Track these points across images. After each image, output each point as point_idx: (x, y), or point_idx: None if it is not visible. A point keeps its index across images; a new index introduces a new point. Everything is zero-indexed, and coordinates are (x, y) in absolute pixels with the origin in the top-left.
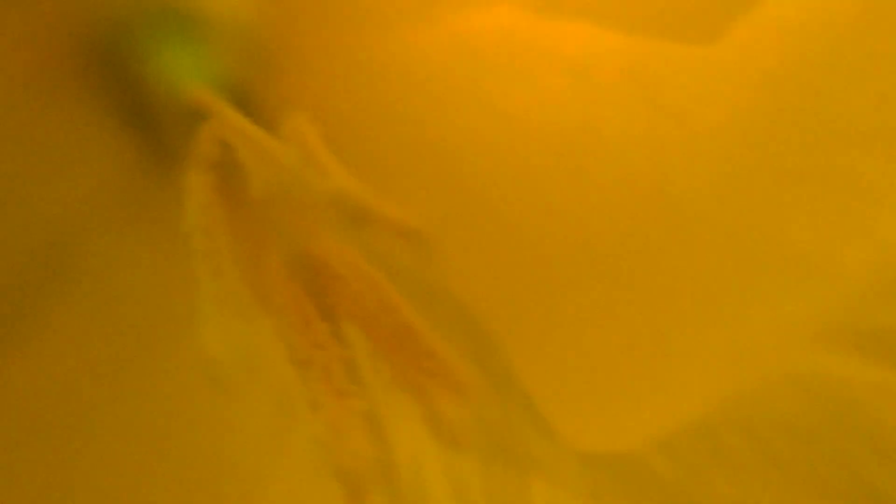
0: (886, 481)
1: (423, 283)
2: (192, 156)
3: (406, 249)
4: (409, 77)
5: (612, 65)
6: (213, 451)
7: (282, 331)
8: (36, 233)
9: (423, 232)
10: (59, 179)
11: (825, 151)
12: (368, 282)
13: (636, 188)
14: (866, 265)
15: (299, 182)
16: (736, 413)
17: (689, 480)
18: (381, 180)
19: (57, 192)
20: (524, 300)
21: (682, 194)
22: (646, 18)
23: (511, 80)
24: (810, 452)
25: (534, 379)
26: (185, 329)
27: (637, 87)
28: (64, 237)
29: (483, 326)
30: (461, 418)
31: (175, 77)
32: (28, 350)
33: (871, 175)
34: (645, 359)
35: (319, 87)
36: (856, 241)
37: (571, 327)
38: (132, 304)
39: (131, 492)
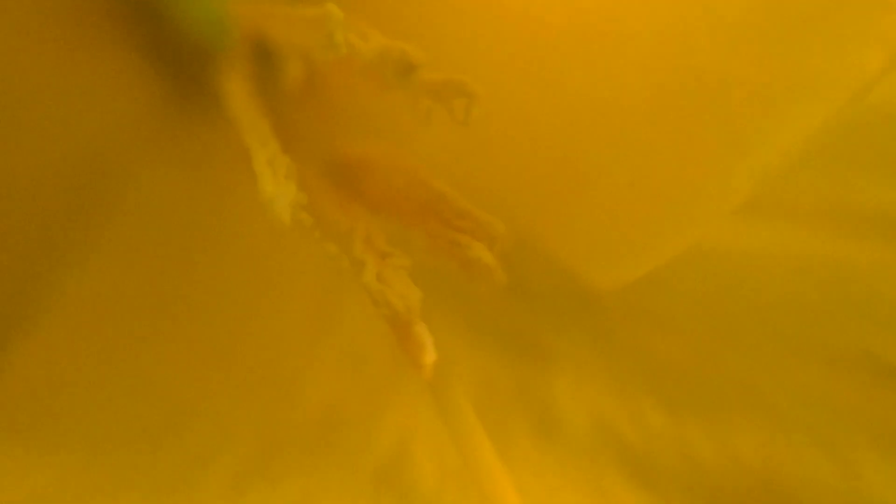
0: (883, 346)
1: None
2: (227, 54)
3: (449, 104)
4: None
5: None
6: (267, 329)
7: (320, 209)
8: (78, 161)
9: (467, 85)
10: (94, 112)
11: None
12: (397, 163)
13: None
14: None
15: (342, 43)
16: (734, 290)
17: (697, 359)
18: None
19: (94, 123)
20: (543, 166)
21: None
22: None
23: None
24: (808, 323)
25: (551, 233)
26: (228, 237)
27: None
28: (105, 164)
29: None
30: (494, 263)
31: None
32: (90, 266)
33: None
34: (642, 208)
35: None
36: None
37: (581, 188)
38: (177, 220)
39: (208, 366)
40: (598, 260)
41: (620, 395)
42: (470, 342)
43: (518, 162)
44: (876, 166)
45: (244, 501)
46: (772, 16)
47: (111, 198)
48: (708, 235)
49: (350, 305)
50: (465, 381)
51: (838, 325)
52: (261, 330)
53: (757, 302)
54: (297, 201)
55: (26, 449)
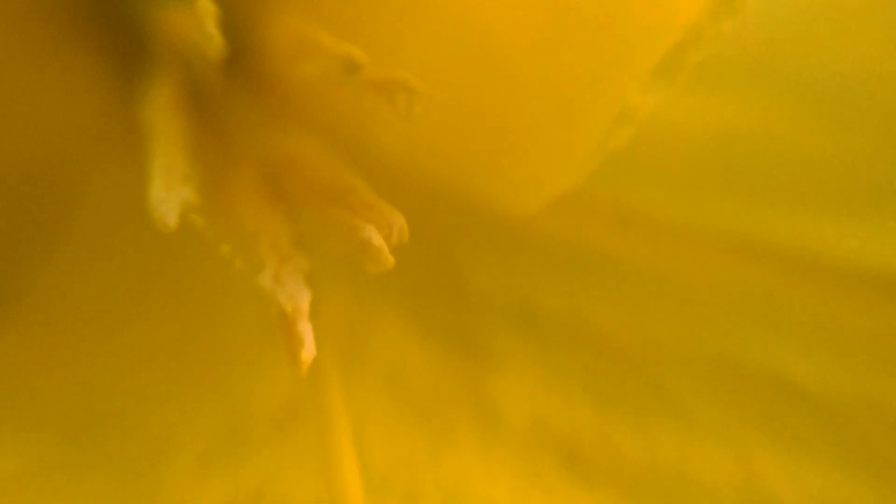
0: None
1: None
2: (154, 53)
3: (392, 100)
4: None
5: None
6: (228, 321)
7: (229, 210)
8: (33, 164)
9: (409, 80)
10: (49, 112)
11: None
12: (321, 156)
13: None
14: None
15: (216, 36)
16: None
17: (624, 365)
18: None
19: (50, 123)
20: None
21: None
22: None
23: None
24: (723, 340)
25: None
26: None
27: None
28: (63, 163)
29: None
30: (385, 247)
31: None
32: (52, 268)
33: None
34: (542, 127)
35: None
36: None
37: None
38: (136, 215)
39: (172, 357)
40: (513, 188)
41: (556, 393)
42: (418, 342)
43: (442, 122)
44: None
45: (208, 484)
46: None
47: (71, 195)
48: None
49: None
50: (413, 378)
51: (750, 344)
52: (222, 321)
53: (679, 316)
54: (189, 204)
55: None
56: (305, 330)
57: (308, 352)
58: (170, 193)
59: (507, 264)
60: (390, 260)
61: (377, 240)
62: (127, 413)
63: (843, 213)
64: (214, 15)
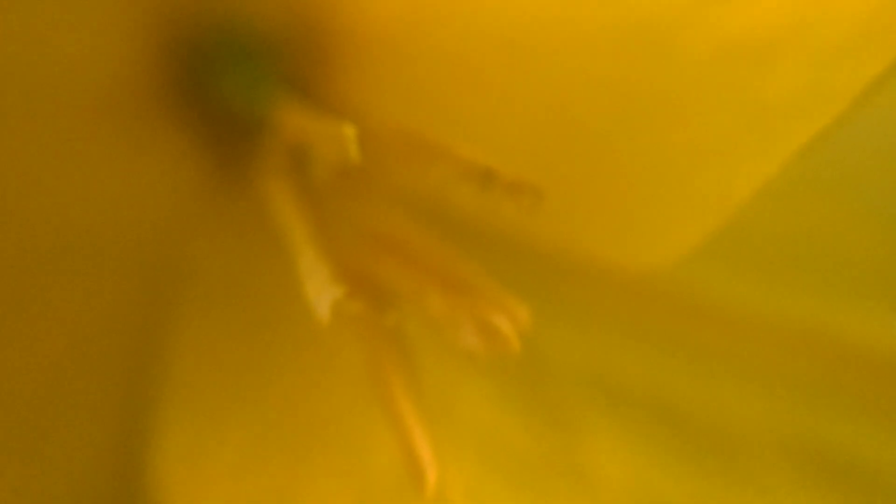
0: None
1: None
2: (264, 157)
3: (518, 200)
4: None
5: None
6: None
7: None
8: (139, 251)
9: (535, 185)
10: (146, 199)
11: None
12: (427, 243)
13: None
14: None
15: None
16: None
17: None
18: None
19: (149, 210)
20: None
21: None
22: None
23: None
24: None
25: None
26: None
27: None
28: (167, 246)
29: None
30: (512, 333)
31: (241, 90)
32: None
33: None
34: (653, 198)
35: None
36: None
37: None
38: (244, 297)
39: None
40: (630, 245)
41: (645, 464)
42: (505, 413)
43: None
44: None
45: None
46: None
47: (180, 280)
48: None
49: None
50: (505, 448)
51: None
52: (335, 393)
53: (758, 400)
54: (339, 300)
55: None
56: (426, 454)
57: (433, 474)
58: (321, 292)
59: (586, 340)
60: (517, 347)
61: (506, 326)
62: (280, 490)
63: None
64: (353, 136)
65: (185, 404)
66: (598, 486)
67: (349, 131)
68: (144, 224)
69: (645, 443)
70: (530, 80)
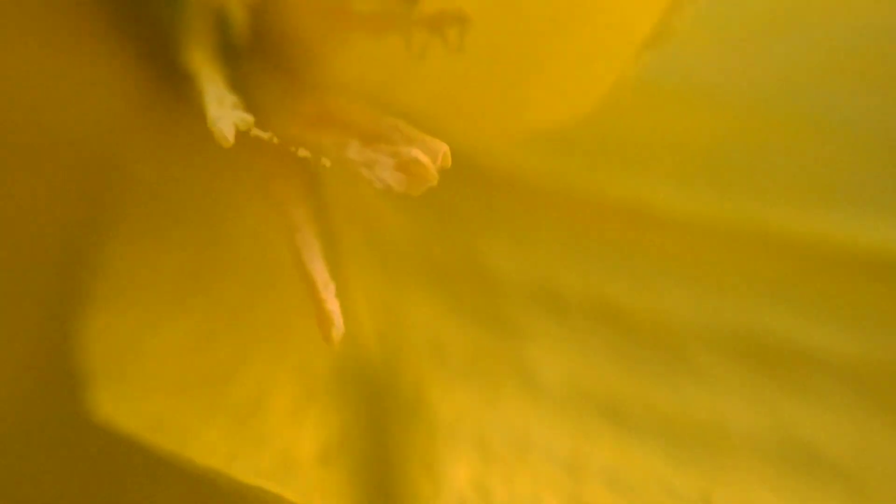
0: None
1: None
2: (187, 29)
3: (443, 34)
4: None
5: None
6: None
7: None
8: (79, 155)
9: (463, 11)
10: (85, 104)
11: None
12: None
13: None
14: None
15: None
16: None
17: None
18: None
19: (87, 115)
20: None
21: None
22: None
23: None
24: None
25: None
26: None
27: None
28: (104, 154)
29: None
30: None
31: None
32: (117, 247)
33: None
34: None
35: None
36: None
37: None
38: (179, 202)
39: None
40: (550, 93)
41: (587, 362)
42: (451, 319)
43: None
44: None
45: (303, 427)
46: None
47: (117, 187)
48: None
49: None
50: (452, 349)
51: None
52: (270, 291)
53: (695, 297)
54: (243, 120)
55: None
56: (334, 308)
57: (338, 330)
58: (224, 112)
59: (528, 250)
60: (435, 178)
61: (423, 158)
62: (220, 372)
63: (842, 203)
64: None
65: (121, 294)
66: (543, 386)
67: None
68: (83, 127)
69: (587, 344)
70: None
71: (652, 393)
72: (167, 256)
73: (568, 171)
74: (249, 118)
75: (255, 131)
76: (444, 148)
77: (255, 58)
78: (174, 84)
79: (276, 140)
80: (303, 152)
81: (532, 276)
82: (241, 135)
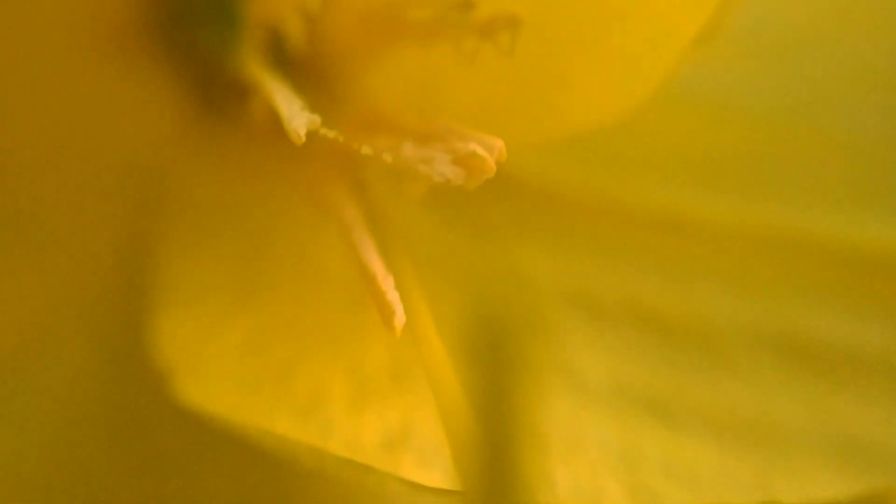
0: None
1: None
2: (242, 47)
3: (495, 39)
4: None
5: None
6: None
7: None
8: (130, 168)
9: (516, 15)
10: (134, 119)
11: None
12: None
13: None
14: None
15: None
16: None
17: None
18: None
19: (136, 130)
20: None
21: None
22: None
23: None
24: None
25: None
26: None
27: None
28: (151, 176)
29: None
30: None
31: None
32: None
33: None
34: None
35: None
36: None
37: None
38: (232, 210)
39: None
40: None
41: (629, 362)
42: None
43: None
44: None
45: (364, 420)
46: None
47: (168, 198)
48: None
49: None
50: None
51: (802, 318)
52: (325, 295)
53: (732, 300)
54: (313, 121)
55: None
56: (394, 298)
57: (399, 318)
58: (296, 113)
59: (563, 257)
60: (493, 170)
61: (481, 151)
62: (279, 370)
63: (871, 207)
64: None
65: (180, 302)
66: (589, 384)
67: None
68: (133, 140)
69: (628, 345)
70: None
71: (698, 392)
72: (220, 264)
73: (600, 180)
74: (317, 118)
75: (323, 130)
76: (499, 143)
77: (307, 67)
78: (221, 97)
79: (341, 138)
80: (365, 149)
81: (568, 282)
82: (287, 142)
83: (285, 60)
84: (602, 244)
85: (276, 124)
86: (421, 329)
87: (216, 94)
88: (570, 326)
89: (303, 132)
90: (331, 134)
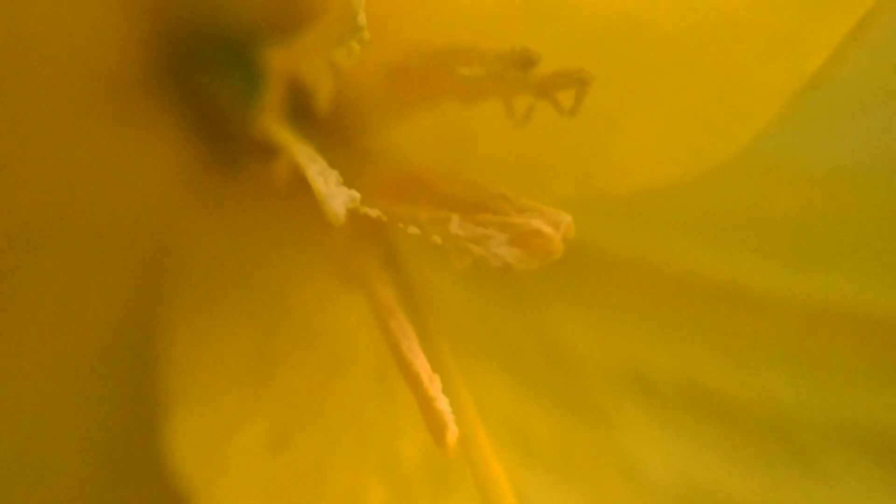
0: None
1: None
2: (262, 104)
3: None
4: None
5: None
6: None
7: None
8: (135, 235)
9: (584, 72)
10: (140, 182)
11: None
12: (445, 176)
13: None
14: None
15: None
16: None
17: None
18: None
19: (142, 193)
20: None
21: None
22: None
23: None
24: None
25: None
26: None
27: None
28: (160, 233)
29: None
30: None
31: (227, 79)
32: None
33: None
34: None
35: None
36: None
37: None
38: (242, 280)
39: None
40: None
41: (692, 452)
42: (531, 405)
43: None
44: None
45: None
46: None
47: (175, 265)
48: None
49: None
50: (539, 439)
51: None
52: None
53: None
54: (353, 199)
55: None
56: (444, 408)
57: (452, 434)
58: (334, 190)
59: (605, 327)
60: (561, 250)
61: (546, 228)
62: (307, 471)
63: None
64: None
65: (192, 393)
66: (646, 481)
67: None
68: (138, 206)
69: (689, 434)
70: None
71: (771, 492)
72: (235, 342)
73: (648, 245)
74: (356, 195)
75: (364, 209)
76: (566, 217)
77: (333, 121)
78: (233, 152)
79: (385, 217)
80: (412, 229)
81: (613, 357)
82: (308, 203)
83: (308, 114)
84: (652, 316)
85: (296, 184)
86: (465, 423)
87: (228, 149)
88: (623, 412)
89: (342, 212)
90: (373, 213)
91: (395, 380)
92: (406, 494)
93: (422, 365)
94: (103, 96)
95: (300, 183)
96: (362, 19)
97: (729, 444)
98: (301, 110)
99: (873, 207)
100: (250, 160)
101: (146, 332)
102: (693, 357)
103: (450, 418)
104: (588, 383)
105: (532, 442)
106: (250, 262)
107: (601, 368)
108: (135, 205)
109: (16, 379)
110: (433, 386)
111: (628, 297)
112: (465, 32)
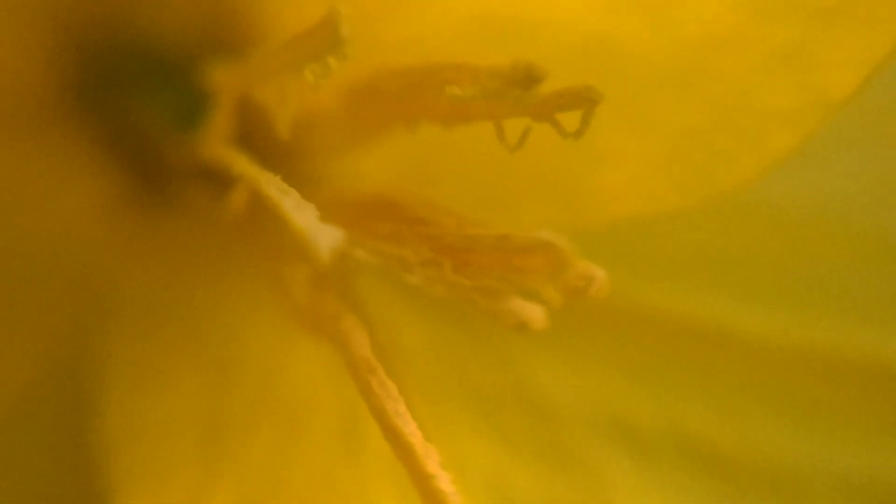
0: None
1: None
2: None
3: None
4: None
5: None
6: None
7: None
8: (61, 271)
9: (592, 90)
10: (67, 213)
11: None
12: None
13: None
14: None
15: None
16: None
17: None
18: None
19: (70, 224)
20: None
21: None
22: None
23: None
24: None
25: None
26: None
27: None
28: (87, 267)
29: None
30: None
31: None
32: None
33: None
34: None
35: None
36: None
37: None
38: (171, 314)
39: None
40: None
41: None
42: (512, 459)
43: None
44: None
45: None
46: None
47: (104, 307)
48: None
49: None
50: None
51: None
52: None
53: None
54: (339, 237)
55: None
56: (447, 488)
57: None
58: (315, 228)
59: (582, 373)
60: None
61: (578, 282)
62: None
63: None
64: (346, 14)
65: (136, 467)
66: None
67: (341, 8)
68: (60, 242)
69: (675, 486)
70: None
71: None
72: (177, 405)
73: (626, 284)
74: (341, 234)
75: (351, 249)
76: (600, 273)
77: (289, 147)
78: (165, 185)
79: (377, 260)
80: (413, 279)
81: (594, 405)
82: (259, 235)
83: (254, 139)
84: (634, 361)
85: (246, 218)
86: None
87: (163, 178)
88: (607, 463)
89: (328, 255)
90: (362, 255)
91: (361, 430)
92: None
93: (414, 434)
94: (16, 120)
95: (252, 215)
96: (345, 32)
97: (719, 495)
98: (246, 135)
99: (858, 248)
100: (189, 190)
101: (77, 389)
102: (678, 404)
103: (456, 500)
104: (569, 434)
105: (513, 498)
106: (191, 305)
107: (582, 418)
108: (56, 240)
109: None
110: (430, 461)
111: (609, 341)
112: (437, 52)
